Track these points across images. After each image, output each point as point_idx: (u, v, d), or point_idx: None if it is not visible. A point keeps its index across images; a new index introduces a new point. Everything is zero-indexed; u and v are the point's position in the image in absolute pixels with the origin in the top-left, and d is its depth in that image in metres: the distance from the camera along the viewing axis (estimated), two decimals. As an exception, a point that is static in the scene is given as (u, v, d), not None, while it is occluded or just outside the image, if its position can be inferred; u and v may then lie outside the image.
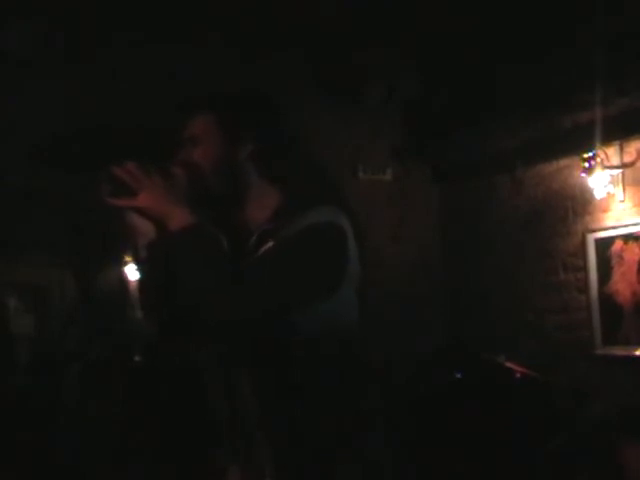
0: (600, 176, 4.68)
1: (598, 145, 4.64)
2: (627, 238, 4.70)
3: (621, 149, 4.73)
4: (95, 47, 4.64)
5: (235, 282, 1.67)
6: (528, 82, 5.04)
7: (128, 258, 4.87)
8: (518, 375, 4.37)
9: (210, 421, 1.89)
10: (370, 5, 4.76)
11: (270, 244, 1.72)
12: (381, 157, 5.75)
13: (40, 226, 4.78)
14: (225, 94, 1.89)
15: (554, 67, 4.87)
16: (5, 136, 4.50)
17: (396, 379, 4.48)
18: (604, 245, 4.83)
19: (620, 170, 4.72)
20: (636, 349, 4.61)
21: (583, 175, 4.75)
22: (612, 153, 4.73)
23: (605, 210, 4.84)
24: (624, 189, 4.73)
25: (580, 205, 4.98)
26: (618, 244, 4.76)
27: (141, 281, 1.89)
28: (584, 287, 4.94)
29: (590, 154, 4.64)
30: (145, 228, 1.77)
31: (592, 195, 4.81)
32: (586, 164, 4.66)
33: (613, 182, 4.71)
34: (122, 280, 5.01)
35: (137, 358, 5.01)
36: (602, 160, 4.65)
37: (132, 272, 4.91)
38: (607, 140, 4.66)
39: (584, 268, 4.93)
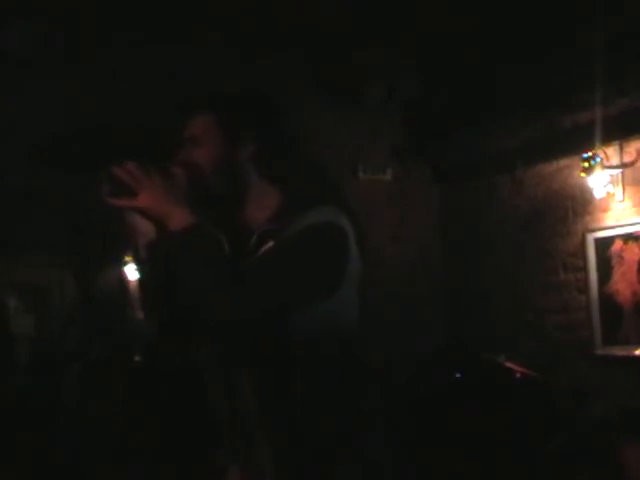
0: (600, 176, 4.69)
1: (598, 145, 4.64)
2: (627, 238, 4.71)
3: (621, 149, 4.74)
4: (95, 47, 4.65)
5: (235, 282, 1.66)
6: (528, 82, 5.04)
7: (128, 258, 4.85)
8: (518, 375, 4.37)
9: (210, 421, 1.89)
10: (370, 5, 4.76)
11: (270, 244, 1.72)
12: (381, 157, 5.75)
13: (40, 226, 4.77)
14: (225, 94, 1.89)
15: (554, 67, 4.87)
16: (5, 136, 4.50)
17: (396, 379, 4.48)
18: (604, 245, 4.83)
19: (620, 170, 4.72)
20: (636, 349, 4.61)
21: (583, 175, 4.75)
22: (612, 153, 4.74)
23: (605, 210, 4.84)
24: (624, 189, 4.73)
25: (580, 205, 4.99)
26: (618, 244, 4.76)
27: (141, 281, 1.89)
28: (584, 287, 4.95)
29: (590, 154, 4.64)
30: (145, 228, 1.76)
31: (592, 195, 4.81)
32: (586, 164, 4.67)
33: (613, 182, 4.72)
34: (122, 280, 5.00)
35: (137, 358, 4.99)
36: (602, 160, 4.66)
37: (132, 272, 4.90)
38: (607, 140, 4.66)
39: (584, 268, 4.93)
